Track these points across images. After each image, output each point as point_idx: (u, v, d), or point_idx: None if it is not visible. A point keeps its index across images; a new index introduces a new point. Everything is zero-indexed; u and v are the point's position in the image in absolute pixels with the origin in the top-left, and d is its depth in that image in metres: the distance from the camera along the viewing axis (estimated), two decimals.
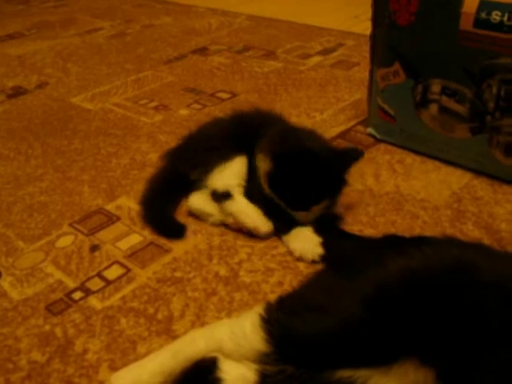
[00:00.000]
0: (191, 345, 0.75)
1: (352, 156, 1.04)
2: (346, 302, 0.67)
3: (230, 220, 1.07)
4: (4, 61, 2.14)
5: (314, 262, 0.98)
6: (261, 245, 1.04)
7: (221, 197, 1.07)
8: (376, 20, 1.26)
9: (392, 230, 1.04)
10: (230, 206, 1.06)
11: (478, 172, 1.19)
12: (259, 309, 0.73)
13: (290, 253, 1.01)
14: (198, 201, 1.11)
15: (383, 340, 0.63)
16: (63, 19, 2.63)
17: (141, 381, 0.74)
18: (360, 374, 0.64)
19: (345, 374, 0.64)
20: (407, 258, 0.70)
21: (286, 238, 1.03)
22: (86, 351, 0.84)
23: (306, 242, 1.00)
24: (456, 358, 0.60)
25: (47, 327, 0.89)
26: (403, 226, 1.05)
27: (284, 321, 0.70)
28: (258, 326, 0.71)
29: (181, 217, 1.12)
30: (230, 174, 1.08)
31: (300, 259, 0.99)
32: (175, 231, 1.09)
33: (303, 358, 0.67)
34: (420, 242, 0.77)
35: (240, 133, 1.15)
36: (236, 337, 0.72)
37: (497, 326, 0.60)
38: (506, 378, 0.57)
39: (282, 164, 1.01)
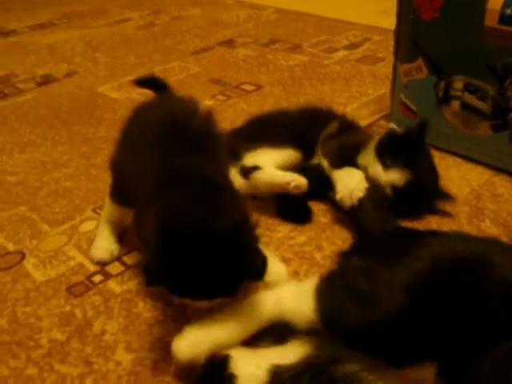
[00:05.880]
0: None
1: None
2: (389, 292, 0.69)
3: (260, 189, 1.06)
4: (35, 49, 2.18)
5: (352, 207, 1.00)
6: (278, 235, 1.05)
7: (248, 170, 1.06)
8: (401, 15, 1.26)
9: (409, 225, 1.04)
10: (259, 174, 1.04)
11: (499, 169, 1.18)
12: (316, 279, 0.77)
13: (307, 243, 1.02)
14: None
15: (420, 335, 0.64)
16: (93, 9, 2.67)
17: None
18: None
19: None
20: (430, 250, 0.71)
21: (336, 173, 1.05)
22: (103, 332, 0.86)
23: (351, 183, 1.01)
24: (457, 347, 0.61)
25: (68, 308, 0.92)
26: (421, 222, 1.05)
27: (331, 299, 0.73)
28: (312, 296, 0.74)
29: None
30: (268, 157, 1.08)
31: (340, 202, 1.02)
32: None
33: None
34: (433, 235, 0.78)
35: (303, 127, 1.16)
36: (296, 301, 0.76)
37: (504, 320, 0.60)
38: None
39: None
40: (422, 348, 0.63)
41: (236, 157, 1.10)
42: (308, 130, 1.16)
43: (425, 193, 1.05)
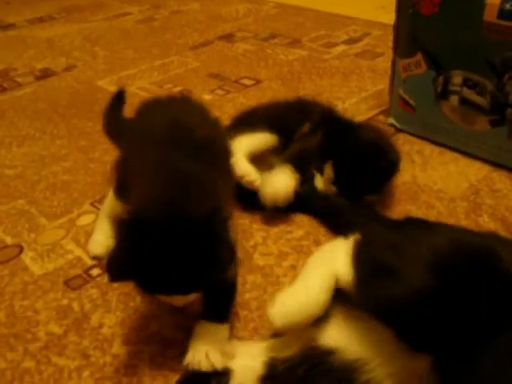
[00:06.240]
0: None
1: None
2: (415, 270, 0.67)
3: None
4: (34, 43, 2.17)
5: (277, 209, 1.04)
6: (276, 229, 1.05)
7: None
8: (400, 10, 1.26)
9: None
10: None
11: (497, 164, 1.18)
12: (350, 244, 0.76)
13: (304, 237, 1.03)
14: None
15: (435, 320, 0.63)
16: (92, 3, 2.66)
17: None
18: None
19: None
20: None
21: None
22: (101, 325, 0.87)
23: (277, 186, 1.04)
24: (458, 339, 0.61)
25: (65, 301, 0.92)
26: (418, 216, 1.05)
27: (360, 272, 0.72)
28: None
29: None
30: (243, 142, 1.09)
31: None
32: None
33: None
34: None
35: (285, 116, 1.17)
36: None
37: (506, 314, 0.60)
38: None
39: None
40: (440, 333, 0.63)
41: None
42: (291, 120, 1.16)
43: (359, 163, 1.05)
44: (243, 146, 1.08)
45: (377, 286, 0.68)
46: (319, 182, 1.08)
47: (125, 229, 0.70)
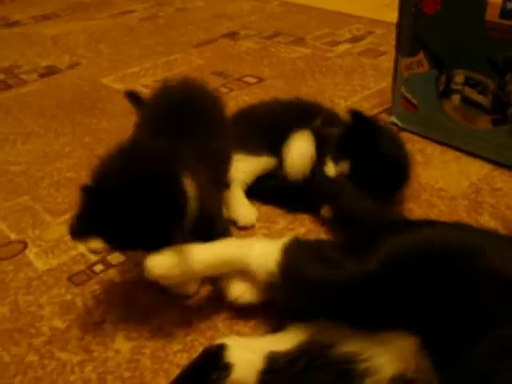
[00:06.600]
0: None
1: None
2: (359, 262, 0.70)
3: None
4: (39, 41, 2.18)
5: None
6: (278, 226, 1.06)
7: None
8: (402, 8, 1.26)
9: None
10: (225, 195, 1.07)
11: (498, 163, 1.19)
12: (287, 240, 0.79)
13: (306, 235, 1.03)
14: None
15: (382, 304, 0.66)
16: (97, 1, 2.67)
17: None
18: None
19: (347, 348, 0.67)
20: (419, 236, 0.72)
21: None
22: (103, 321, 0.88)
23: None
24: (442, 330, 0.62)
25: (69, 297, 0.93)
26: (419, 214, 1.06)
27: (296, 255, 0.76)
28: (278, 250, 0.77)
29: None
30: (242, 168, 1.10)
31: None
32: None
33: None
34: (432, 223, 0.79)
35: (283, 122, 1.17)
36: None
37: (491, 309, 0.61)
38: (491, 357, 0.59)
39: None
40: (391, 317, 0.66)
41: None
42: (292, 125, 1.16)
43: (373, 167, 1.03)
44: (241, 175, 1.11)
45: (313, 270, 0.72)
46: (330, 170, 1.07)
47: (85, 192, 0.78)
